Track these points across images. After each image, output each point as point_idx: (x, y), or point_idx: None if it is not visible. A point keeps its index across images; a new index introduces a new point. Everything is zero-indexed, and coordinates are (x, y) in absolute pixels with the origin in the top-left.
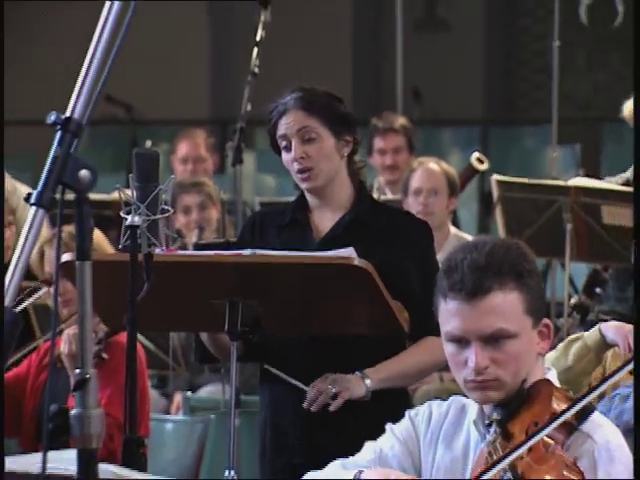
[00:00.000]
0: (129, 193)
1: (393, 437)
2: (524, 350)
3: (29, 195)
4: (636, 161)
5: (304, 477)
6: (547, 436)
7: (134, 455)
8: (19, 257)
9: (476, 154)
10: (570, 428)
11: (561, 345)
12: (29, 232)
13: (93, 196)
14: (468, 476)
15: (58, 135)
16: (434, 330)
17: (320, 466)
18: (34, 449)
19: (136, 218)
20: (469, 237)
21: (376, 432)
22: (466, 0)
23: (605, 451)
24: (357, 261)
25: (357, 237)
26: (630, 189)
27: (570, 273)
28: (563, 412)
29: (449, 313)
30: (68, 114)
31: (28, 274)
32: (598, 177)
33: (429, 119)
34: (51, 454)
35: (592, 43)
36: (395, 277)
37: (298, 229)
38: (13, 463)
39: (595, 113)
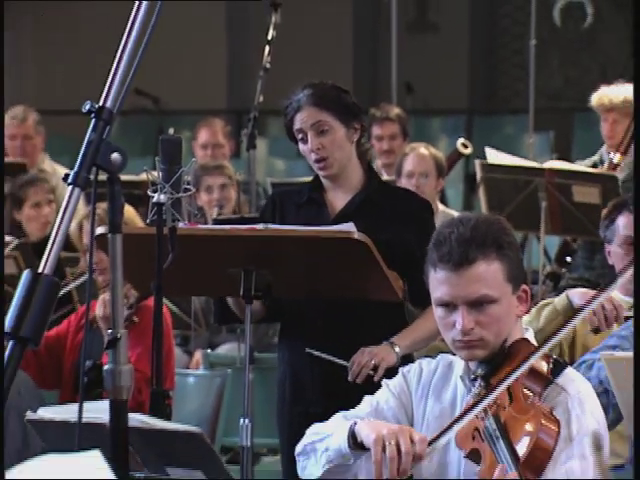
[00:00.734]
0: (155, 174)
1: (388, 392)
2: (505, 313)
3: (67, 175)
4: (636, 162)
5: (311, 427)
6: (526, 388)
7: (160, 406)
8: (57, 230)
9: (461, 140)
10: (546, 382)
11: (534, 309)
12: (66, 208)
13: (123, 177)
14: None
15: (92, 122)
16: None
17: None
18: (72, 400)
19: (161, 196)
20: (455, 213)
21: None
22: (453, 5)
23: (577, 402)
24: (356, 235)
25: (367, 214)
26: (597, 170)
27: (544, 245)
28: (527, 358)
29: (438, 281)
30: (101, 103)
31: (68, 245)
32: (569, 160)
33: (420, 109)
34: (87, 404)
35: (564, 42)
36: (401, 249)
37: (315, 207)
38: (53, 413)
39: (567, 104)
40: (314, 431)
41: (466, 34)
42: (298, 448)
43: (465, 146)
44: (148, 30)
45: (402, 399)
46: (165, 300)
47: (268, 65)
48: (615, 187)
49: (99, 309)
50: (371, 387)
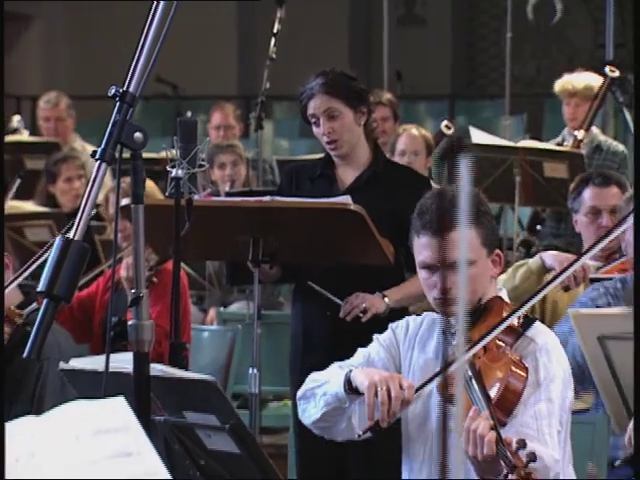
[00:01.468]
0: (174, 152)
1: (379, 345)
2: (481, 274)
3: (94, 152)
4: (636, 164)
5: (310, 375)
6: (499, 340)
7: (178, 357)
8: (86, 201)
9: (445, 122)
10: (517, 333)
11: (510, 269)
12: (94, 181)
13: (145, 154)
14: None
15: (117, 105)
16: None
17: None
18: (102, 352)
19: (179, 172)
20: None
21: None
22: (437, 1)
23: (545, 352)
24: (352, 206)
25: (373, 189)
26: (565, 148)
27: (519, 215)
28: (506, 317)
29: (421, 246)
30: (125, 88)
31: (97, 215)
32: (540, 140)
33: (408, 95)
34: (113, 356)
35: (536, 35)
36: (402, 219)
37: (326, 181)
38: (84, 363)
39: (538, 90)
40: (313, 378)
41: (449, 27)
42: (299, 393)
43: (448, 127)
44: (165, 27)
45: (391, 351)
46: (182, 264)
47: (274, 55)
48: (581, 163)
49: (123, 271)
50: (372, 339)
